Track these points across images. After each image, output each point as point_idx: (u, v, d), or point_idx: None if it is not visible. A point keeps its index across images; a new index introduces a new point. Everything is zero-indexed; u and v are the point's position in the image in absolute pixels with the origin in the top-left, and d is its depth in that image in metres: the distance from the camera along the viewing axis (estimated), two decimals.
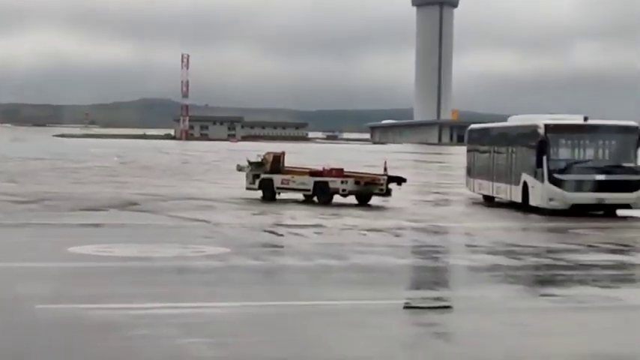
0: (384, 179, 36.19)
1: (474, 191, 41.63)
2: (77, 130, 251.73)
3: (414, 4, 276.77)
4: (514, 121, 39.32)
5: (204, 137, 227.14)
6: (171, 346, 12.20)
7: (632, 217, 32.62)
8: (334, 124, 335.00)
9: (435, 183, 54.27)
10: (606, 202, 32.89)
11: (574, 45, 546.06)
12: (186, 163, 79.32)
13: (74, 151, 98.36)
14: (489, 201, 39.51)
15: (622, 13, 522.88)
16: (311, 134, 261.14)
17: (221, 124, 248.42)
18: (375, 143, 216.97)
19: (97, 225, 27.02)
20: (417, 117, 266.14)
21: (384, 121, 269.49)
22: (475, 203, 39.41)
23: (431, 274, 19.49)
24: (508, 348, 12.52)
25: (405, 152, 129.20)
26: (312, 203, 36.05)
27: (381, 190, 35.95)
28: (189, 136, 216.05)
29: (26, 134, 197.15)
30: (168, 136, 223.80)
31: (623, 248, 24.30)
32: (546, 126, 33.60)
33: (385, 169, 37.56)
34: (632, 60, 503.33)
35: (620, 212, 33.34)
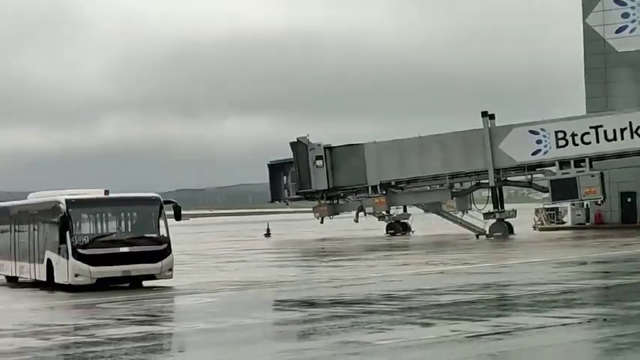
0: None
1: None
2: None
3: None
4: (34, 198, 38.49)
5: None
6: None
7: (157, 287, 33.04)
8: None
9: None
10: (132, 273, 33.00)
11: (100, 118, 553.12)
12: None
13: None
14: (13, 281, 38.27)
15: (148, 88, 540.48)
16: None
17: None
18: None
19: None
20: None
21: None
22: None
23: None
24: None
25: None
26: None
27: None
28: None
29: None
30: None
31: (152, 319, 24.45)
32: (67, 201, 33.19)
33: None
34: (161, 132, 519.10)
35: (145, 283, 33.63)
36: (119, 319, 24.17)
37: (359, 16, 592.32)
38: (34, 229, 35.87)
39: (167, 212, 34.31)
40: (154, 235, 33.70)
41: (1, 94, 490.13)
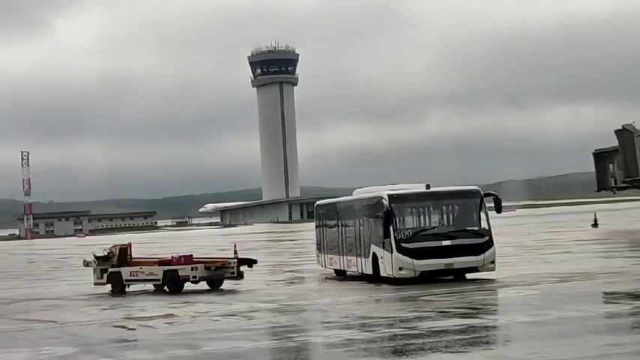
0: (234, 262, 35.92)
1: (325, 266, 41.71)
2: None
3: (254, 85, 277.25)
4: (359, 194, 39.66)
5: (50, 234, 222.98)
6: None
7: (480, 280, 33.15)
8: (183, 210, 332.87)
9: (287, 261, 54.21)
10: (455, 266, 33.33)
11: (426, 112, 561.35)
12: (32, 262, 77.17)
13: None
14: (341, 275, 39.62)
15: (472, 81, 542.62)
16: (161, 222, 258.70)
17: (67, 219, 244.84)
18: (225, 226, 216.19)
19: None
20: (266, 196, 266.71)
21: (229, 204, 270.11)
22: (328, 278, 39.47)
23: (286, 355, 19.25)
24: None
25: (256, 233, 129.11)
26: (164, 293, 35.45)
27: (233, 273, 35.67)
28: (34, 235, 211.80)
29: None
30: (13, 237, 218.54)
31: (473, 312, 24.59)
32: (390, 196, 33.98)
33: (235, 252, 37.36)
34: (485, 124, 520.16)
35: (468, 275, 33.84)
36: (441, 312, 24.50)
37: None
38: (360, 224, 36.99)
39: (488, 205, 34.35)
40: (476, 228, 33.84)
41: (329, 91, 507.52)
